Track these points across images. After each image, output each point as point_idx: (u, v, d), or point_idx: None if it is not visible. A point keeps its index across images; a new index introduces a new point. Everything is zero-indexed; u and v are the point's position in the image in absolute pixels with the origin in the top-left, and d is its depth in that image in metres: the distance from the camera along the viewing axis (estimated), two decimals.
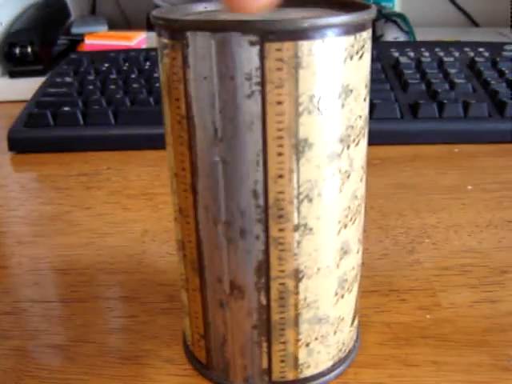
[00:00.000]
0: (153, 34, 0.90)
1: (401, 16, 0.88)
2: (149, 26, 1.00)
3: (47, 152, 0.60)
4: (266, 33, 0.22)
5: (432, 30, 0.95)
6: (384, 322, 0.34)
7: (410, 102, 0.61)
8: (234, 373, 0.29)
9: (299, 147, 0.24)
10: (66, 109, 0.61)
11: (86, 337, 0.34)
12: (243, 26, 0.22)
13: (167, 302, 0.36)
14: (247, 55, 0.22)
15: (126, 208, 0.48)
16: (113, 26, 1.01)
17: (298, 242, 0.26)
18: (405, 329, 0.33)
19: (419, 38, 0.87)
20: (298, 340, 0.28)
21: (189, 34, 0.23)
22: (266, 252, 0.26)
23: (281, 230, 0.25)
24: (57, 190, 0.52)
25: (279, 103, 0.23)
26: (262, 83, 0.23)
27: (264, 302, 0.27)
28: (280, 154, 0.24)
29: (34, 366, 0.32)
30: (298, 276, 0.27)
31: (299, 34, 0.22)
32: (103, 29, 0.95)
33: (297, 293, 0.27)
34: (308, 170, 0.25)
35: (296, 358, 0.29)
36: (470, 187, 0.50)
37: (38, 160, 0.59)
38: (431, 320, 0.34)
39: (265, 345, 0.28)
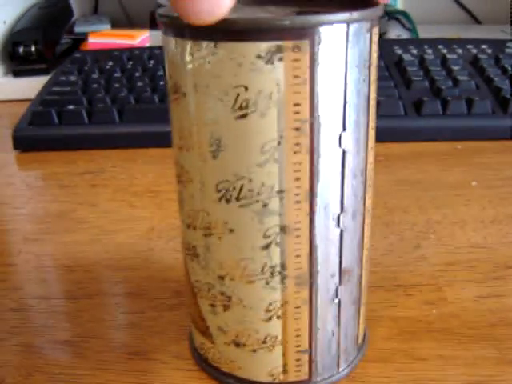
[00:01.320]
0: (157, 33, 0.91)
1: (403, 13, 0.88)
2: (152, 25, 1.00)
3: (52, 150, 0.60)
4: (373, 19, 0.24)
5: (434, 27, 0.95)
6: (390, 316, 0.34)
7: (414, 99, 0.61)
8: (340, 360, 0.30)
9: None
10: (71, 107, 0.61)
11: (94, 332, 0.34)
12: (363, 15, 0.23)
13: (174, 298, 0.36)
14: (366, 41, 0.24)
15: (131, 205, 0.48)
16: (115, 24, 1.01)
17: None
18: (411, 323, 0.33)
19: (422, 35, 0.87)
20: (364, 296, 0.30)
21: (322, 29, 0.22)
22: (363, 222, 0.28)
23: (369, 197, 0.28)
24: (62, 188, 0.53)
25: (375, 81, 0.26)
26: (370, 66, 0.25)
27: (360, 271, 0.28)
28: (372, 128, 0.26)
29: (42, 361, 0.32)
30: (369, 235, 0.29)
31: (379, 18, 0.25)
32: (106, 28, 0.95)
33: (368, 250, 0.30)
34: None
35: (366, 314, 0.31)
36: (474, 183, 0.50)
37: (43, 158, 0.59)
38: (437, 314, 0.34)
39: (357, 313, 0.30)
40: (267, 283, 0.26)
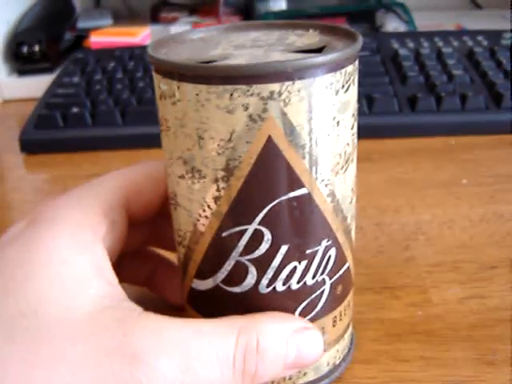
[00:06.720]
0: (157, 28, 0.92)
1: (401, 5, 0.89)
2: (153, 19, 1.02)
3: (58, 152, 0.62)
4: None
5: (433, 14, 0.96)
6: (378, 318, 0.36)
7: (409, 96, 0.63)
8: None
9: None
10: (75, 110, 0.63)
11: None
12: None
13: None
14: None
15: None
16: (117, 18, 1.02)
17: None
18: (397, 325, 0.35)
19: (420, 22, 0.88)
20: None
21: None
22: None
23: None
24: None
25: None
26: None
27: None
28: None
29: None
30: None
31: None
32: (108, 22, 0.96)
33: None
34: None
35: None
36: (464, 181, 0.51)
37: (49, 160, 0.61)
38: (422, 316, 0.36)
39: None
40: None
